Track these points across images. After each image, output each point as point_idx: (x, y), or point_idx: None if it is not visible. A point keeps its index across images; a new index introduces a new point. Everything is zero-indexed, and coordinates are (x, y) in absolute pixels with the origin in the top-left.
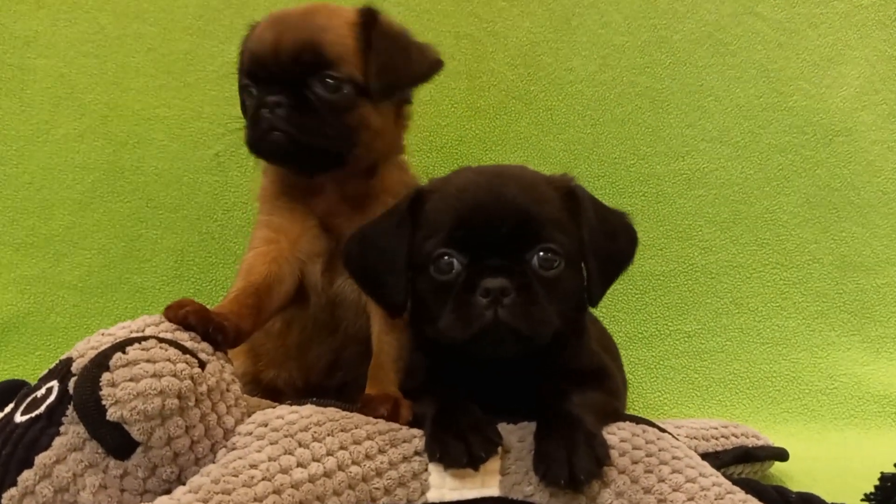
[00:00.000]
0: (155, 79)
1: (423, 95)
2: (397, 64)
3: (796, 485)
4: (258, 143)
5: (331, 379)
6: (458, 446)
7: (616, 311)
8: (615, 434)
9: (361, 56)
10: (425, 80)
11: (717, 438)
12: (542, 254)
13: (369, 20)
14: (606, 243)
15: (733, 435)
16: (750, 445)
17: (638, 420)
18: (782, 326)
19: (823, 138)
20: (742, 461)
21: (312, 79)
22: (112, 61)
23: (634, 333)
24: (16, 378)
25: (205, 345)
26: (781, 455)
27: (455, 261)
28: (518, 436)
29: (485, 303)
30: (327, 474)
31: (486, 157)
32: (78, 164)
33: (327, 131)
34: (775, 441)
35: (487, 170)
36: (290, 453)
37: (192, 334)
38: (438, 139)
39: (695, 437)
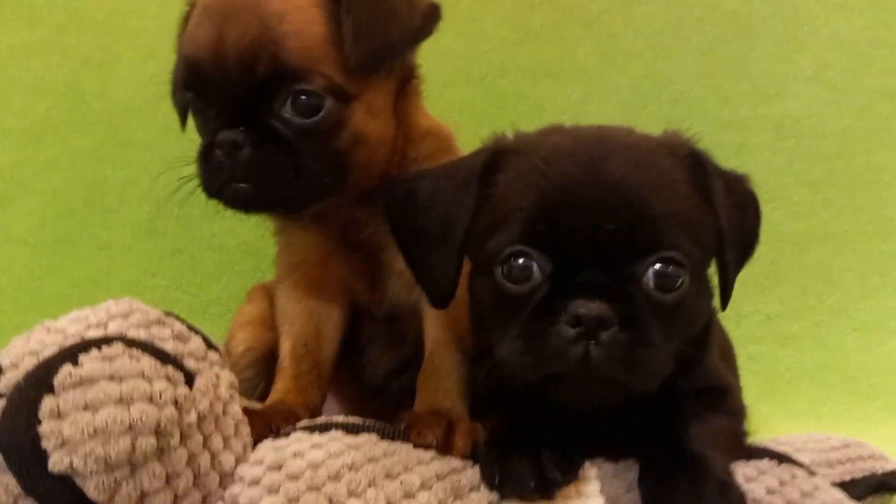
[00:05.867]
0: None
1: (461, 13)
2: (378, 22)
3: None
4: (217, 193)
5: (390, 384)
6: (524, 465)
7: None
8: (757, 481)
9: (333, 39)
10: (421, 39)
11: (843, 463)
12: (659, 266)
13: None
14: (741, 221)
15: (860, 458)
16: (880, 471)
17: (780, 458)
18: (878, 308)
19: None
20: (874, 491)
21: (278, 100)
22: None
23: None
24: None
25: (194, 344)
26: None
27: (535, 266)
28: (626, 482)
29: (572, 335)
30: None
31: (534, 92)
32: (28, 85)
33: (309, 167)
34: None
35: (587, 134)
36: None
37: (176, 329)
38: (477, 69)
39: (820, 464)
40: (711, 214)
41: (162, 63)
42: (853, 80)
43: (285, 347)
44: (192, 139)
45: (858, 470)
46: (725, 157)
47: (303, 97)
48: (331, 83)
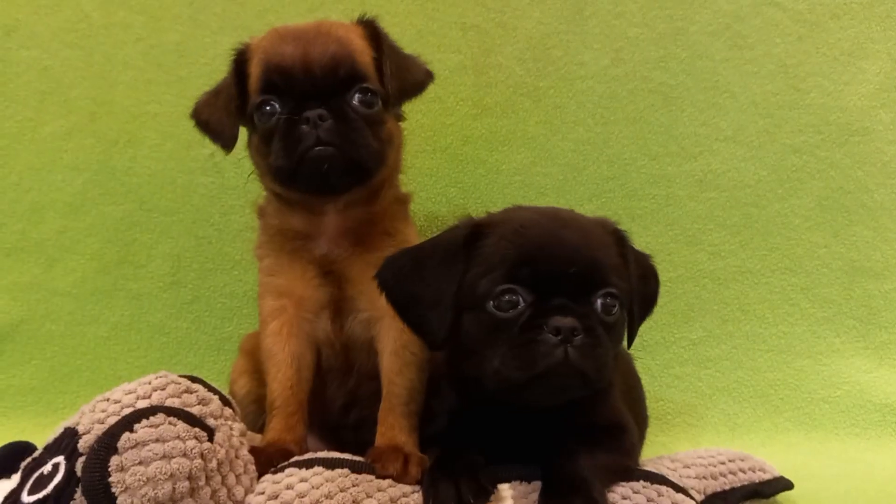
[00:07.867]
0: (144, 72)
1: (428, 92)
2: (404, 72)
3: None
4: (300, 162)
5: (346, 417)
6: (449, 490)
7: None
8: (631, 499)
9: (376, 67)
10: (423, 90)
11: (725, 476)
12: (604, 299)
13: (374, 31)
14: (643, 287)
15: (741, 470)
16: (757, 481)
17: (653, 479)
18: (788, 333)
19: (839, 138)
20: (749, 498)
21: (350, 93)
22: (98, 53)
23: (639, 342)
24: (20, 441)
25: (213, 406)
26: (787, 486)
27: (520, 298)
28: (533, 501)
29: (555, 341)
30: None
31: (491, 157)
32: (67, 164)
33: (369, 144)
34: (776, 452)
35: (543, 210)
36: None
37: (200, 395)
38: (442, 139)
39: (705, 477)
40: (629, 272)
41: (179, 144)
42: (767, 138)
43: (274, 390)
44: (206, 207)
45: (738, 480)
46: (656, 207)
47: (366, 94)
48: (379, 88)
